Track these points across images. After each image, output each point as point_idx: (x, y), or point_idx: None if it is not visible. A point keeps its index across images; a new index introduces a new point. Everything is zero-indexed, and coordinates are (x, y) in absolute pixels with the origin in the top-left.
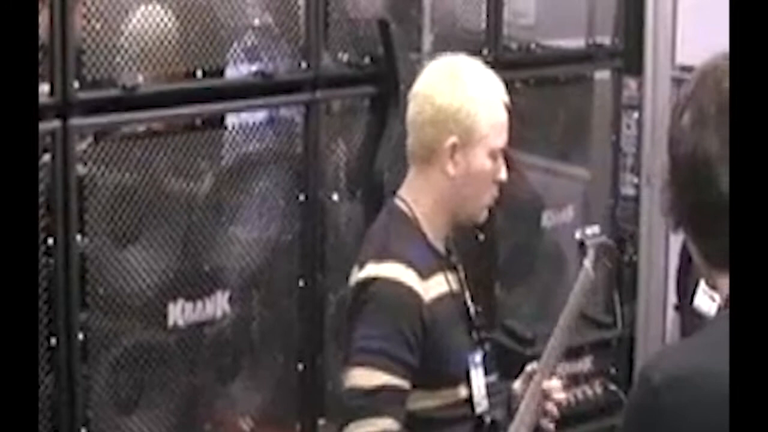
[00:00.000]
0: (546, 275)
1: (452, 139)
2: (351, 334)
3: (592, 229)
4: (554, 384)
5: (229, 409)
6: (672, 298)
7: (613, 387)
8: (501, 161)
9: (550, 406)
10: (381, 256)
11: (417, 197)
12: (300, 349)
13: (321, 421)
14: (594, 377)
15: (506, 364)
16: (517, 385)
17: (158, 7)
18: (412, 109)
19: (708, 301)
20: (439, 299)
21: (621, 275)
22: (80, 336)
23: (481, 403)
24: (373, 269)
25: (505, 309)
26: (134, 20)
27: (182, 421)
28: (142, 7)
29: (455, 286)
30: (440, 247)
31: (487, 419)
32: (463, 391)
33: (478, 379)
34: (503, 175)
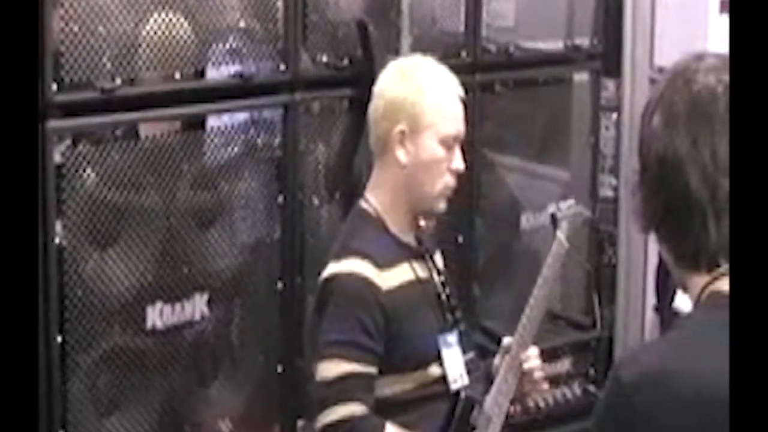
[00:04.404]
0: (525, 277)
1: (400, 127)
2: (316, 332)
3: (567, 203)
4: (532, 352)
5: (209, 411)
6: (651, 300)
7: (592, 388)
8: (455, 150)
9: (536, 374)
10: (340, 255)
11: (377, 193)
12: (279, 350)
13: (300, 423)
14: (573, 378)
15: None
16: (496, 360)
17: (137, 10)
18: (370, 108)
19: (688, 302)
20: (402, 287)
21: (600, 276)
22: (58, 338)
23: (457, 380)
24: (332, 268)
25: (484, 310)
26: (113, 23)
27: (161, 424)
28: (121, 10)
29: (423, 274)
30: (407, 237)
31: (463, 394)
32: (435, 371)
33: (452, 358)
34: (458, 163)
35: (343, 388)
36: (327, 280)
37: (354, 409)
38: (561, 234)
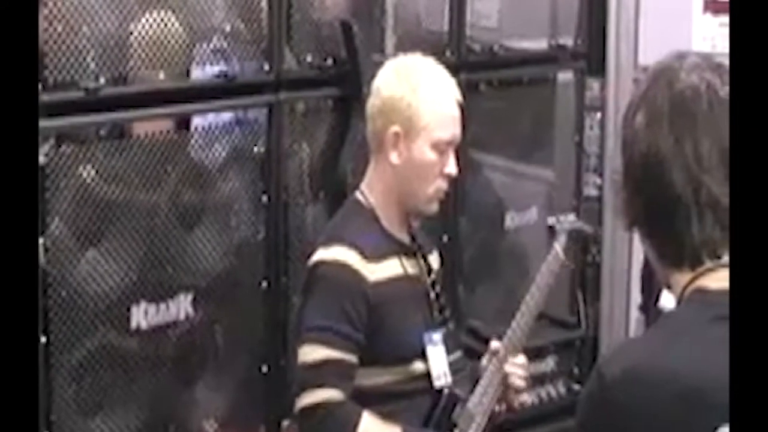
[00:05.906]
0: (509, 276)
1: (394, 128)
2: (301, 316)
3: (568, 217)
4: (519, 360)
5: (193, 411)
6: (635, 298)
7: (576, 387)
8: (449, 155)
9: (517, 380)
10: (328, 242)
11: (371, 187)
12: (264, 350)
13: (285, 423)
14: (557, 377)
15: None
16: (483, 362)
17: (122, 10)
18: (368, 104)
19: (673, 300)
20: (390, 280)
21: (585, 275)
22: (42, 339)
23: (441, 378)
24: (319, 254)
25: (469, 309)
26: (97, 22)
27: (146, 424)
28: (105, 10)
29: (412, 270)
30: (400, 234)
31: (446, 391)
32: (418, 367)
33: (437, 355)
34: (452, 168)
35: (321, 373)
36: (313, 266)
37: (331, 394)
38: (558, 247)
